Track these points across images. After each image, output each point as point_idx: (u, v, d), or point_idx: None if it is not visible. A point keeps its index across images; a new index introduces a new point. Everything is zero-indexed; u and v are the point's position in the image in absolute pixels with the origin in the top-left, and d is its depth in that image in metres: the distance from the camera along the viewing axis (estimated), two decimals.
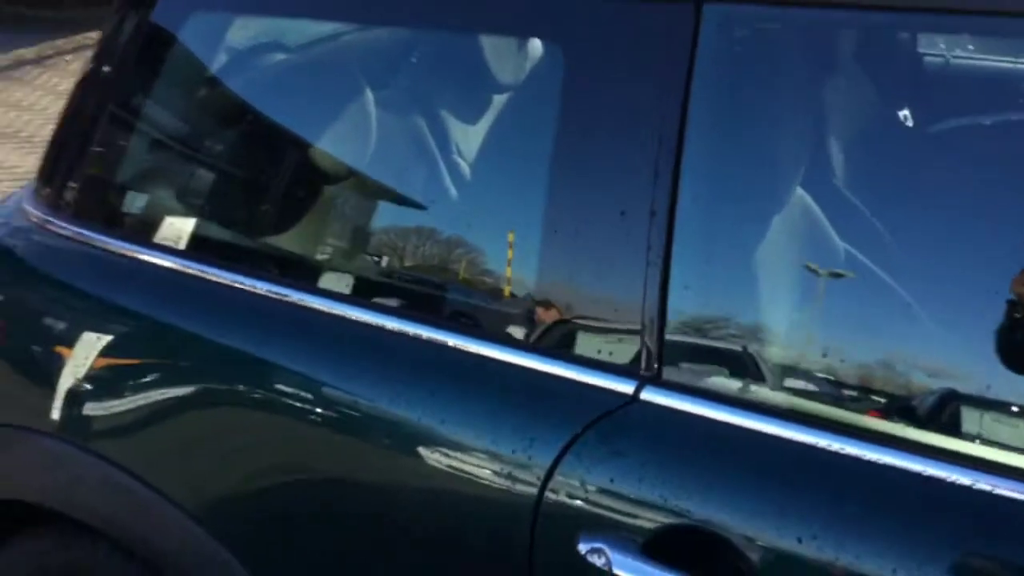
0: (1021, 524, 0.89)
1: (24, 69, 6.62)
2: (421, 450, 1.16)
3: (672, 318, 1.05)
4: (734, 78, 1.03)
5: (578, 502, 1.06)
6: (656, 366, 1.06)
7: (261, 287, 1.29)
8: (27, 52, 6.96)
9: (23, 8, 7.87)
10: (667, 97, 1.03)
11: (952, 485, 0.92)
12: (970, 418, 0.97)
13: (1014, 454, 0.92)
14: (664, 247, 1.04)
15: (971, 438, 0.95)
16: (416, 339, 1.18)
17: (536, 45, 1.15)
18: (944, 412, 0.98)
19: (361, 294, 1.27)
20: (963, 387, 0.99)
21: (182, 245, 1.42)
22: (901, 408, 0.99)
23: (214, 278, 1.34)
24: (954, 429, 0.97)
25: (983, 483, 0.91)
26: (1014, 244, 0.93)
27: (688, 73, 1.02)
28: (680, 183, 1.03)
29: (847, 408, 1.00)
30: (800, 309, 1.06)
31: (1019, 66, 1.08)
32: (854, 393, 1.01)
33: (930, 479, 0.93)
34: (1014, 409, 0.95)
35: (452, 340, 1.16)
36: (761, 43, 1.05)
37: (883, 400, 1.00)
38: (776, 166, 1.05)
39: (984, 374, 0.96)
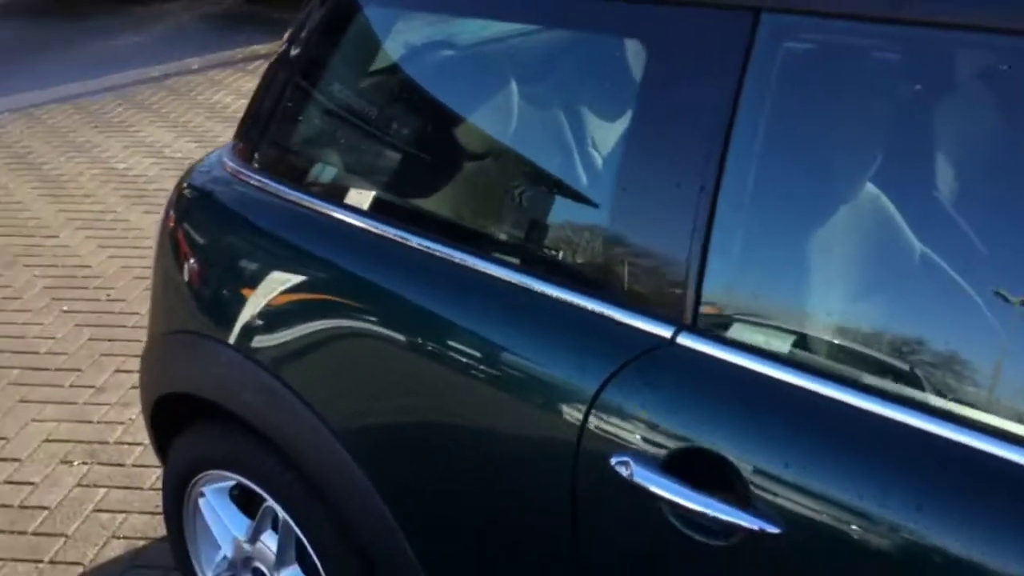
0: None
1: (257, 63, 7.32)
2: (503, 373, 1.40)
3: (709, 277, 1.25)
4: (780, 82, 1.21)
5: (614, 422, 1.27)
6: (692, 316, 1.26)
7: (413, 240, 1.54)
8: (261, 48, 7.68)
9: (263, 7, 8.68)
10: (721, 94, 1.23)
11: (915, 430, 1.09)
12: (944, 376, 1.12)
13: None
14: (708, 217, 1.24)
15: (944, 392, 1.11)
16: (513, 284, 1.42)
17: (633, 44, 1.37)
18: (929, 374, 1.13)
19: (480, 247, 1.50)
20: (950, 352, 1.14)
21: (342, 198, 1.72)
22: (894, 369, 1.15)
23: (373, 229, 1.61)
24: (938, 389, 1.12)
25: (943, 431, 1.07)
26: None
27: (741, 73, 1.22)
28: (725, 166, 1.23)
29: (844, 361, 1.17)
30: (818, 279, 1.23)
31: None
32: (852, 348, 1.18)
33: (895, 422, 1.10)
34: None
35: (538, 286, 1.40)
36: (809, 52, 1.24)
37: (879, 359, 1.16)
38: (808, 160, 1.23)
39: (955, 342, 1.12)
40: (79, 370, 3.40)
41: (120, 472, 2.85)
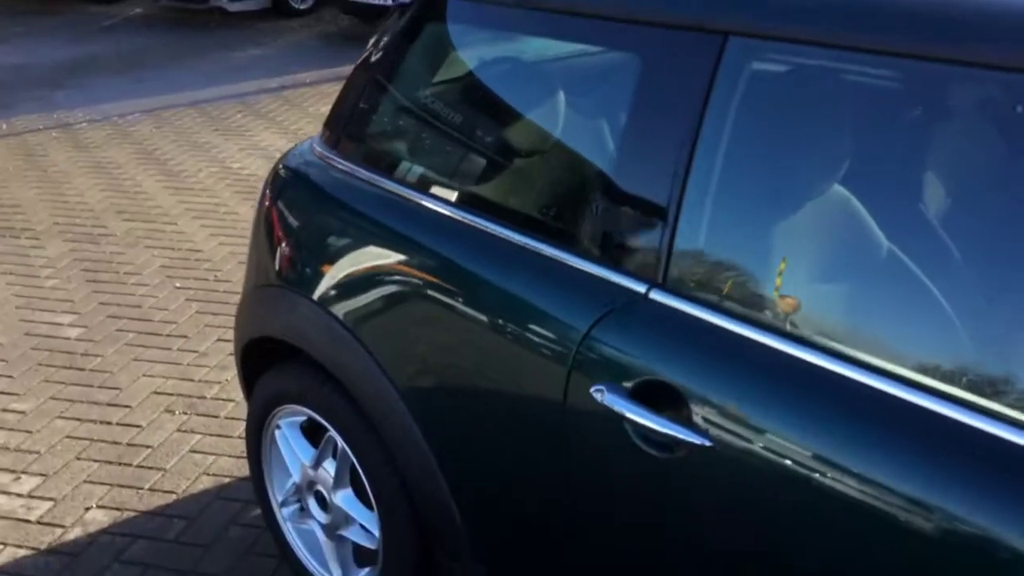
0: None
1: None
2: (520, 320, 1.74)
3: (677, 247, 1.56)
4: (742, 93, 1.52)
5: (595, 358, 1.59)
6: (663, 276, 1.57)
7: (459, 215, 1.88)
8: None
9: (376, 29, 9.18)
10: (694, 100, 1.55)
11: (831, 372, 1.37)
12: (857, 329, 1.41)
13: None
14: (678, 201, 1.56)
15: (856, 343, 1.39)
16: (533, 251, 1.75)
17: (633, 58, 1.70)
18: (844, 326, 1.42)
19: (512, 221, 1.82)
20: (861, 307, 1.43)
21: (409, 180, 2.07)
22: (812, 320, 1.45)
23: (429, 205, 1.96)
24: (851, 340, 1.40)
25: (867, 379, 1.35)
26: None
27: (711, 83, 1.54)
28: (693, 161, 1.54)
29: (776, 316, 1.47)
30: (762, 252, 1.53)
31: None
32: (783, 304, 1.47)
33: (812, 364, 1.39)
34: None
35: (551, 251, 1.73)
36: (766, 69, 1.55)
37: (803, 312, 1.46)
38: (761, 156, 1.54)
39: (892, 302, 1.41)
40: (186, 336, 3.84)
41: (214, 422, 3.26)
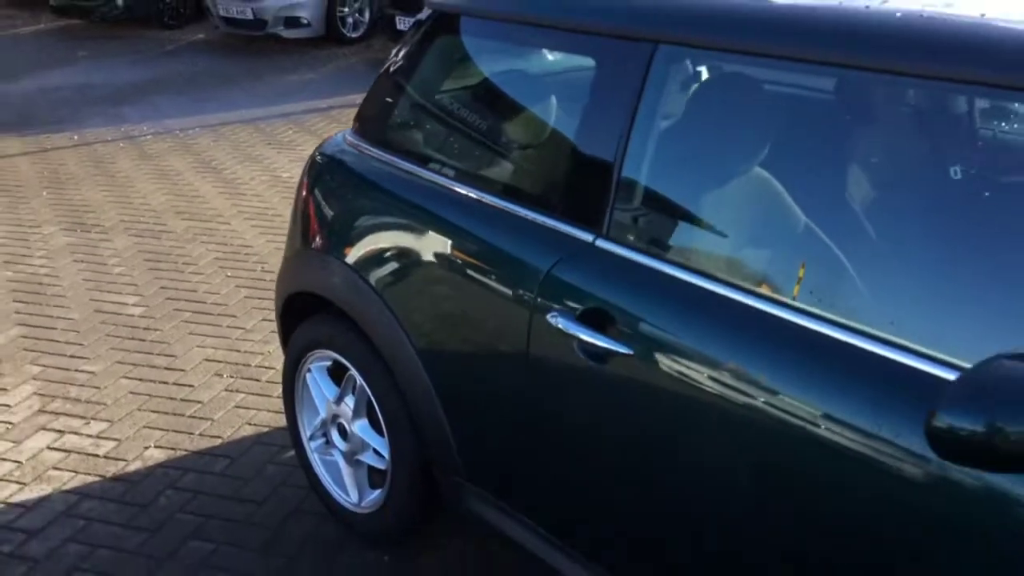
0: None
1: None
2: (499, 265, 2.19)
3: (617, 205, 2.01)
4: (668, 88, 1.98)
5: (552, 292, 2.04)
6: (607, 228, 2.02)
7: (461, 189, 2.35)
8: None
9: None
10: (631, 94, 2.00)
11: (732, 300, 1.80)
12: (754, 266, 1.85)
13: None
14: (618, 171, 2.01)
15: (752, 277, 1.83)
16: (507, 211, 2.21)
17: (590, 61, 2.16)
18: (745, 264, 1.86)
19: (496, 190, 2.29)
20: (761, 251, 1.87)
21: (425, 162, 2.54)
22: (715, 258, 1.89)
23: (442, 182, 2.42)
24: (748, 274, 1.84)
25: (748, 300, 1.79)
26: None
27: (644, 79, 1.99)
28: (630, 140, 2.00)
29: (690, 258, 1.91)
30: (682, 211, 1.98)
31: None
32: (697, 249, 1.92)
33: (712, 293, 1.83)
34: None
35: (522, 211, 2.18)
36: (687, 71, 2.00)
37: (711, 255, 1.90)
38: (680, 138, 1.99)
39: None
40: (234, 316, 4.34)
41: (256, 384, 3.74)
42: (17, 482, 3.17)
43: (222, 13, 10.96)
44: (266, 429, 3.44)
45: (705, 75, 1.99)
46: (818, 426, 1.61)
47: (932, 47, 1.60)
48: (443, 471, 2.50)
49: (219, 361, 3.93)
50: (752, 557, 1.78)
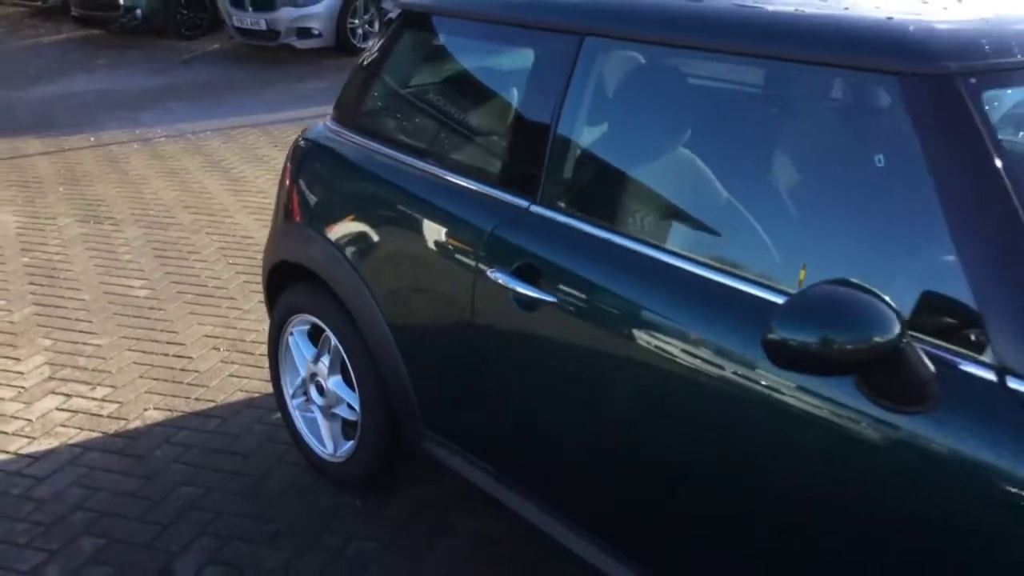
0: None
1: None
2: (448, 228, 2.49)
3: (548, 176, 2.31)
4: (594, 74, 2.28)
5: (493, 252, 2.34)
6: (540, 196, 2.32)
7: (419, 164, 2.65)
8: None
9: None
10: (562, 79, 2.30)
11: (647, 256, 2.10)
12: (668, 226, 2.14)
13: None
14: (550, 146, 2.31)
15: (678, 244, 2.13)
16: (455, 184, 2.52)
17: (530, 52, 2.47)
18: (658, 224, 2.16)
19: (448, 166, 2.59)
20: (674, 213, 2.17)
21: (394, 144, 2.84)
22: (630, 220, 2.18)
23: (405, 160, 2.73)
24: (664, 235, 2.14)
25: (663, 257, 2.09)
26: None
27: (573, 66, 2.30)
28: (560, 119, 2.30)
29: (608, 218, 2.21)
30: (602, 180, 2.28)
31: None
32: (616, 212, 2.21)
33: (625, 248, 2.12)
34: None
35: (467, 183, 2.49)
36: (609, 59, 2.30)
37: (626, 217, 2.20)
38: (602, 116, 2.29)
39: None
40: (233, 298, 4.66)
41: (250, 357, 4.05)
42: (27, 436, 3.49)
43: (237, 24, 11.35)
44: (256, 395, 3.74)
45: (623, 63, 2.29)
46: (702, 351, 1.90)
47: (806, 37, 1.90)
48: (404, 419, 2.79)
49: (216, 337, 4.25)
50: (655, 468, 2.07)
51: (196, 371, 3.94)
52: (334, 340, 2.97)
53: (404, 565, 2.80)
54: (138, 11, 12.21)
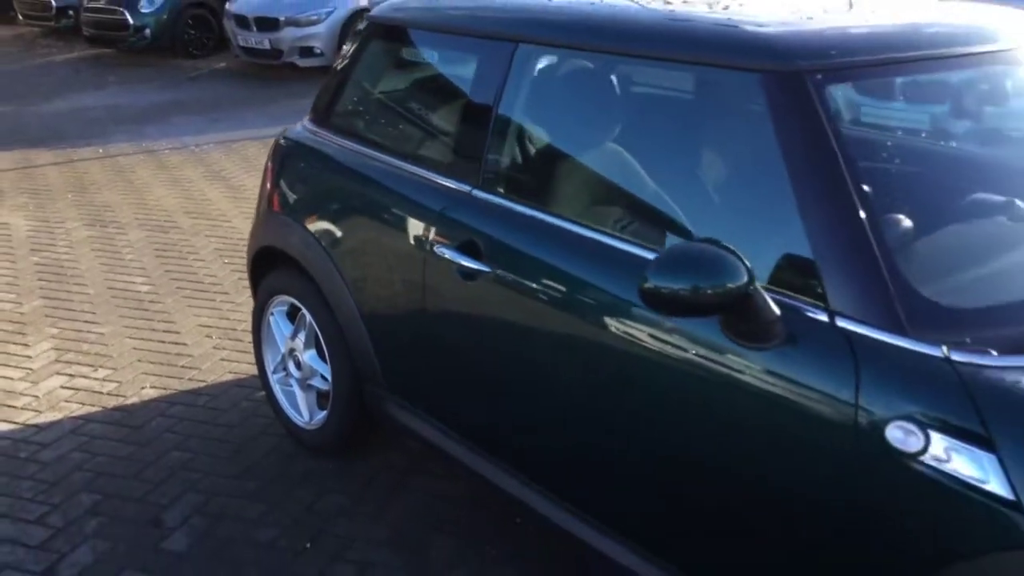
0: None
1: None
2: (403, 211, 2.84)
3: (486, 165, 2.66)
4: (527, 77, 2.64)
5: (440, 231, 2.69)
6: (481, 181, 2.67)
7: (386, 159, 3.00)
8: None
9: None
10: (498, 82, 2.66)
11: (558, 226, 2.45)
12: (573, 198, 2.49)
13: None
14: (488, 140, 2.66)
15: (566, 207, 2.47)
16: (412, 173, 2.87)
17: (474, 58, 2.82)
18: (569, 198, 2.50)
19: (417, 161, 2.95)
20: (578, 188, 2.52)
21: (364, 141, 3.20)
22: (550, 199, 2.53)
23: (373, 155, 3.08)
24: (568, 208, 2.48)
25: (571, 226, 2.44)
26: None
27: (508, 70, 2.65)
28: (496, 116, 2.65)
29: (533, 197, 2.56)
30: (528, 169, 2.63)
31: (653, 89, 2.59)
32: (540, 193, 2.56)
33: (550, 224, 2.47)
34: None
35: (424, 172, 2.84)
36: (539, 64, 2.66)
37: (545, 194, 2.55)
38: (532, 114, 2.64)
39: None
40: (227, 293, 5.02)
41: (240, 344, 4.40)
42: (34, 410, 3.84)
43: (242, 43, 11.77)
44: (244, 376, 4.09)
45: (548, 66, 2.64)
46: (611, 308, 2.25)
47: (691, 42, 2.25)
48: (369, 384, 3.14)
49: (210, 326, 4.60)
50: (577, 411, 2.40)
51: (190, 355, 4.29)
52: (309, 317, 3.31)
53: (368, 515, 3.13)
54: (147, 31, 12.66)
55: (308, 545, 2.99)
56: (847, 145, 2.00)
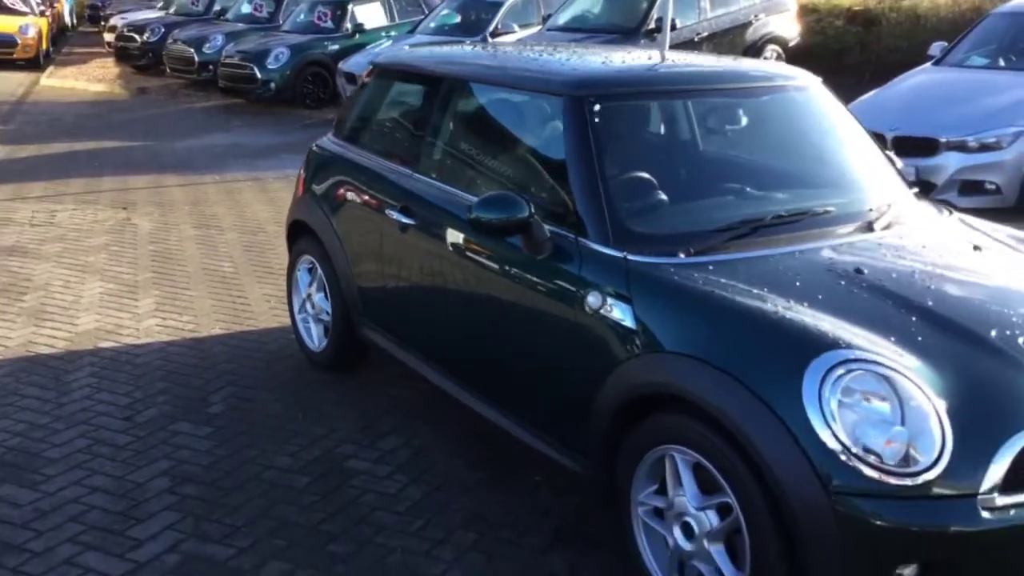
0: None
1: None
2: (377, 189, 4.26)
3: (422, 155, 4.06)
4: (452, 104, 4.03)
5: (393, 198, 4.09)
6: (418, 167, 4.06)
7: (404, 173, 4.43)
8: None
9: None
10: (432, 104, 4.07)
11: (438, 188, 3.83)
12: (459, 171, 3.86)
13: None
14: (426, 139, 4.06)
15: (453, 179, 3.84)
16: (391, 168, 4.28)
17: (425, 91, 4.22)
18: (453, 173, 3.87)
19: (408, 162, 4.36)
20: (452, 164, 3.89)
21: (370, 148, 4.64)
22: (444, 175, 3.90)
23: (367, 156, 4.49)
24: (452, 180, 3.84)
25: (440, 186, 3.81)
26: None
27: (436, 98, 4.06)
28: (430, 128, 4.05)
29: (438, 175, 3.93)
30: (452, 159, 4.02)
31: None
32: (448, 172, 3.94)
33: (436, 186, 3.84)
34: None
35: (386, 162, 4.26)
36: (461, 94, 4.05)
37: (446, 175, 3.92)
38: (457, 126, 4.04)
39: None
40: (241, 284, 6.52)
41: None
42: (134, 337, 5.36)
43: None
44: (288, 326, 5.54)
45: (460, 95, 4.02)
46: (462, 232, 3.60)
47: (524, 77, 3.62)
48: (354, 313, 4.53)
49: (271, 296, 6.08)
50: (460, 313, 3.74)
51: (251, 312, 5.78)
52: (320, 270, 4.74)
53: (347, 407, 4.50)
54: (272, 84, 14.59)
55: (300, 416, 4.38)
56: (599, 139, 3.31)
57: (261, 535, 3.40)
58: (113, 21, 21.46)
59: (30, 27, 20.65)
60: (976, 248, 3.22)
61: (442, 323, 3.85)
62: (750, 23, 13.06)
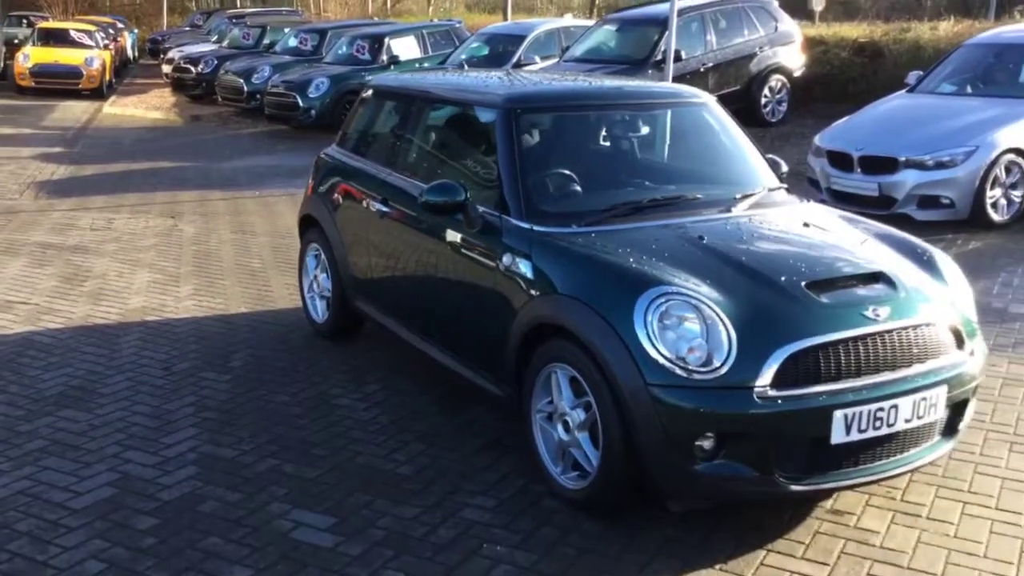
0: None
1: None
2: (366, 185, 5.30)
3: (398, 157, 5.10)
4: (423, 118, 5.07)
5: (376, 192, 5.13)
6: (395, 167, 5.10)
7: (385, 172, 5.46)
8: None
9: None
10: (407, 124, 5.11)
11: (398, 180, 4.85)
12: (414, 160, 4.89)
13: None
14: (401, 146, 5.10)
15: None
16: (379, 168, 5.33)
17: (406, 105, 5.26)
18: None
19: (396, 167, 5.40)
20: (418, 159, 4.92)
21: (366, 155, 5.69)
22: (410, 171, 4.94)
23: (360, 160, 5.54)
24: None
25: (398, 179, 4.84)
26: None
27: (407, 115, 5.10)
28: (405, 135, 5.10)
29: (405, 171, 4.97)
30: (412, 158, 5.05)
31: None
32: (402, 165, 4.98)
33: (405, 180, 4.87)
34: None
35: (376, 165, 5.30)
36: (432, 111, 5.09)
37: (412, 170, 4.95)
38: (424, 133, 5.07)
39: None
40: (267, 276, 7.59)
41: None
42: (173, 313, 6.44)
43: None
44: (301, 307, 6.59)
45: (425, 110, 5.05)
46: (417, 213, 4.62)
47: (468, 94, 4.64)
48: (347, 288, 5.56)
49: (291, 285, 7.14)
50: (418, 277, 4.76)
51: (273, 297, 6.84)
52: (323, 255, 5.79)
53: (344, 364, 5.52)
54: (313, 111, 15.79)
55: (304, 369, 5.42)
56: (522, 141, 4.32)
57: (260, 443, 4.42)
58: (171, 54, 22.94)
59: (95, 59, 22.22)
60: (805, 224, 4.16)
61: (407, 289, 4.87)
62: (755, 54, 13.97)
